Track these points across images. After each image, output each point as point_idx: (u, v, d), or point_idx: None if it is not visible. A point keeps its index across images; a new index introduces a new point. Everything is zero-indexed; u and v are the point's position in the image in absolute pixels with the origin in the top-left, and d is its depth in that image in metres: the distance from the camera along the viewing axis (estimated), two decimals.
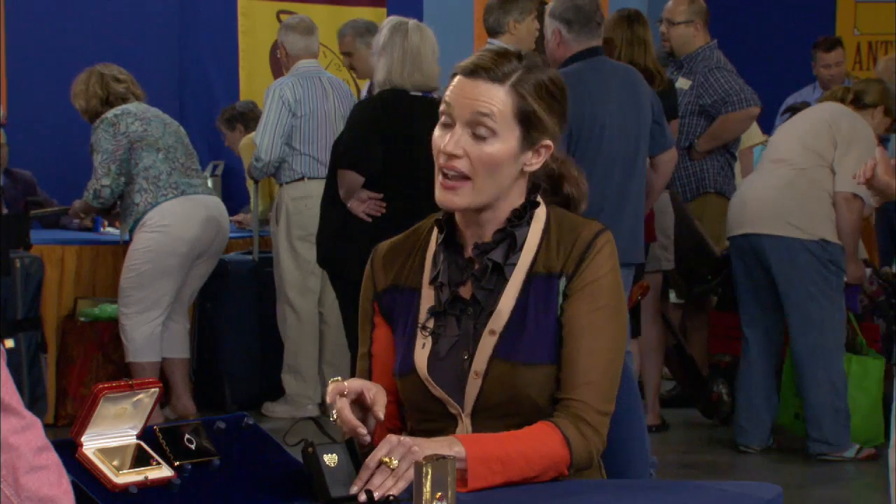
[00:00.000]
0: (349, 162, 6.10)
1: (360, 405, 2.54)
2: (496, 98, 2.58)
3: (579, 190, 2.76)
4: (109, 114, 7.00)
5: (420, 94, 6.05)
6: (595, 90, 5.80)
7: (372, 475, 2.38)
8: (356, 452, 2.43)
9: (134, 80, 7.18)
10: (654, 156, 6.25)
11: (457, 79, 2.63)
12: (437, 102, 6.05)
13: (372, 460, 2.38)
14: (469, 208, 2.62)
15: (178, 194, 7.01)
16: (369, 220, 6.02)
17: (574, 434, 2.55)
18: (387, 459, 2.37)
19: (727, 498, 2.46)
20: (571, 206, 2.75)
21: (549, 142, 2.65)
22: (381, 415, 2.52)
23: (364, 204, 6.06)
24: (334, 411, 2.49)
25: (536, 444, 2.51)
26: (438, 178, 2.62)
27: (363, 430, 2.47)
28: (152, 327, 7.06)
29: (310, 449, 2.38)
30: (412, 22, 6.19)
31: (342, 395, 2.50)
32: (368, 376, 2.72)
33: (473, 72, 2.60)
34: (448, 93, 2.63)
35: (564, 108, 2.68)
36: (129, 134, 6.96)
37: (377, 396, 2.53)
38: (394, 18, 6.27)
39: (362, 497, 2.35)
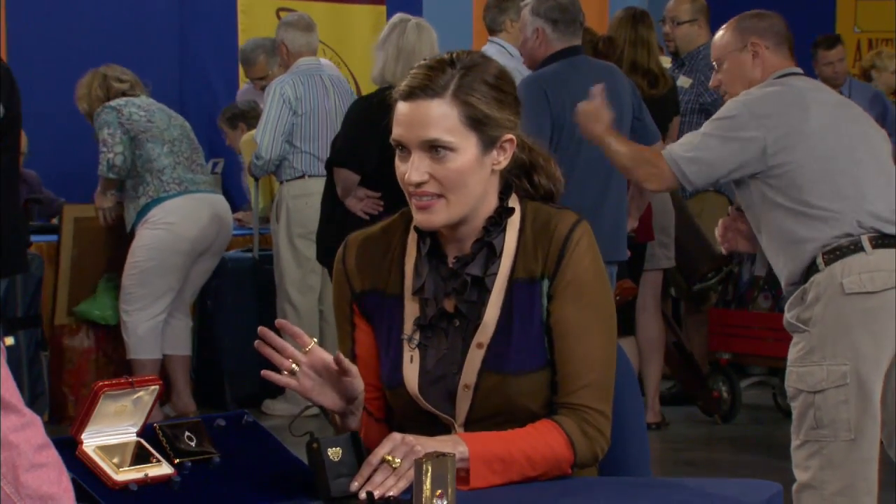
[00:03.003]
0: (344, 160, 6.10)
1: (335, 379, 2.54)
2: (440, 114, 2.50)
3: (553, 177, 2.69)
4: (113, 102, 6.98)
5: None
6: (575, 90, 5.78)
7: (374, 472, 2.37)
8: (360, 446, 2.43)
9: (138, 81, 7.14)
10: None
11: (398, 105, 2.55)
12: None
13: (374, 457, 2.37)
14: (449, 223, 2.56)
15: (181, 191, 7.00)
16: (367, 217, 6.02)
17: (578, 435, 2.54)
18: (389, 458, 2.37)
19: (727, 496, 2.46)
20: (548, 196, 2.69)
21: (509, 136, 2.58)
22: (344, 364, 2.50)
23: (362, 202, 6.06)
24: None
25: (539, 445, 2.50)
26: (412, 202, 2.56)
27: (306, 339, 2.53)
28: (154, 323, 7.06)
29: (315, 444, 2.38)
30: (414, 20, 6.17)
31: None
32: None
33: (410, 94, 2.52)
34: (395, 123, 2.55)
35: (515, 96, 2.61)
36: (133, 122, 6.95)
37: (351, 368, 2.51)
38: (398, 15, 6.26)
39: (363, 495, 2.34)
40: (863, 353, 4.01)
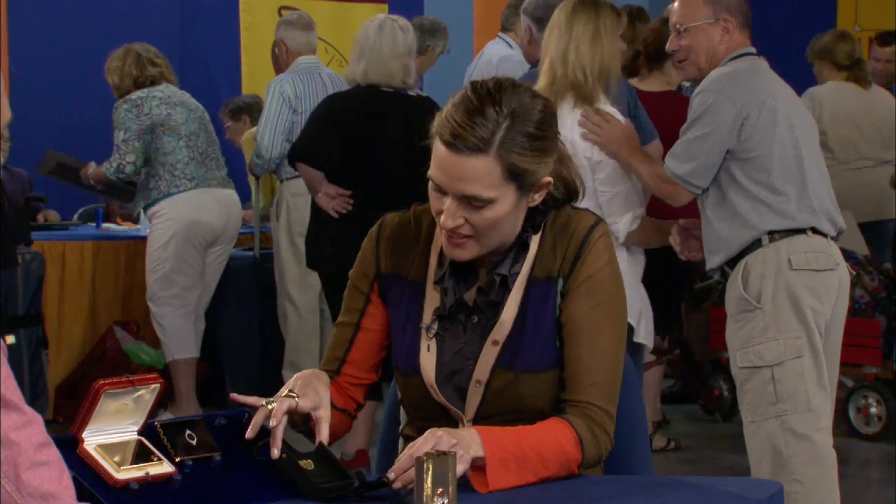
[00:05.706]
0: (302, 155, 6.16)
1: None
2: (482, 171, 2.48)
3: (574, 174, 2.68)
4: (134, 95, 7.07)
5: (391, 90, 6.06)
6: None
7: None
8: (329, 453, 2.44)
9: (169, 65, 7.25)
10: None
11: (438, 147, 2.51)
12: (411, 99, 6.05)
13: (418, 452, 2.33)
14: (478, 256, 2.59)
15: (192, 186, 7.12)
16: (336, 216, 6.07)
17: (587, 435, 2.54)
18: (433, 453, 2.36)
19: (728, 494, 2.45)
20: (573, 193, 2.68)
21: (547, 179, 2.58)
22: (325, 439, 2.48)
23: (333, 200, 6.10)
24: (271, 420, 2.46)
25: (552, 443, 2.50)
26: (443, 233, 2.57)
27: (276, 452, 2.42)
28: (188, 319, 7.19)
29: (283, 455, 2.39)
30: (382, 19, 6.21)
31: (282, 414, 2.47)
32: (349, 345, 2.72)
33: (452, 144, 2.48)
34: (433, 161, 2.52)
35: (556, 132, 2.59)
36: (153, 116, 7.05)
37: (322, 417, 2.50)
38: (378, 17, 6.31)
39: (398, 485, 2.33)
40: (810, 327, 4.08)
